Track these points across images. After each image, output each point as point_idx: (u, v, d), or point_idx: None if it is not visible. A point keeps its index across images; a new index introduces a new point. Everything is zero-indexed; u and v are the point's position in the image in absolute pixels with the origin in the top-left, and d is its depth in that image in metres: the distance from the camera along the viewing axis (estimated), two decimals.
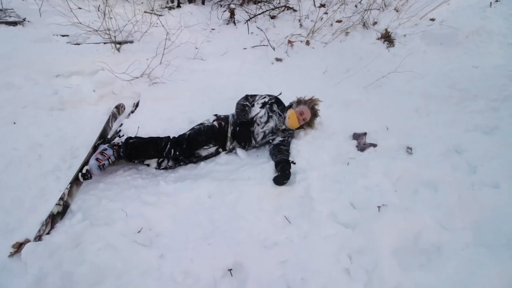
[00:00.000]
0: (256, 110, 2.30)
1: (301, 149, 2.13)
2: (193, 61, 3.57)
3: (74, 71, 2.93)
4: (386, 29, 4.27)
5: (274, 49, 4.09)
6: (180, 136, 2.11)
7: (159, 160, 2.08)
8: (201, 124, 2.23)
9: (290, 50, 4.16)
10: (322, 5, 5.06)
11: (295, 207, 1.67)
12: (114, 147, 2.00)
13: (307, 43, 4.25)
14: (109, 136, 2.26)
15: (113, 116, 2.44)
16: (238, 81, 3.34)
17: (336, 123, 2.53)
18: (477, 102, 2.83)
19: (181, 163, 2.12)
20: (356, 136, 2.35)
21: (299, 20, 4.70)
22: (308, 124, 2.38)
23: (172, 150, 2.03)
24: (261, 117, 2.25)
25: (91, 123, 2.43)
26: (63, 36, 3.58)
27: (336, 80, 3.37)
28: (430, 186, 1.90)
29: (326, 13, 4.77)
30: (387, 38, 4.25)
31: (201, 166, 2.08)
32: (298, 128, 2.39)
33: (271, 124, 2.24)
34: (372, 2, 4.71)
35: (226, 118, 2.27)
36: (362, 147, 2.25)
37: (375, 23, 4.54)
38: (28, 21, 3.75)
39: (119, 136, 2.26)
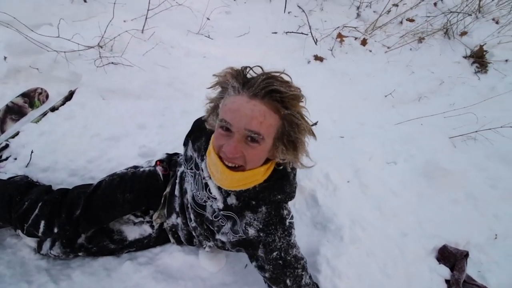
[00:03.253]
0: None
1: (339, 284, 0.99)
2: (194, 38, 2.39)
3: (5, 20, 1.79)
4: (481, 46, 2.94)
5: (316, 41, 2.84)
6: (76, 188, 1.01)
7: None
8: (134, 168, 1.11)
9: (337, 47, 2.91)
10: None
11: None
12: None
13: (364, 42, 2.98)
14: None
15: (14, 112, 1.35)
16: None
17: (406, 209, 1.37)
18: None
19: (80, 253, 1.01)
20: (446, 257, 1.21)
21: (358, 8, 3.38)
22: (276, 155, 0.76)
23: (42, 222, 0.92)
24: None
25: None
26: None
27: (405, 114, 2.16)
28: None
29: (396, 5, 3.42)
30: (479, 59, 2.94)
31: (124, 269, 0.97)
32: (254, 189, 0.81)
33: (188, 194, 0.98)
34: (464, 5, 3.33)
35: (175, 162, 1.13)
36: None
37: (464, 34, 3.19)
38: None
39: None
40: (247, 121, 0.65)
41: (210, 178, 0.81)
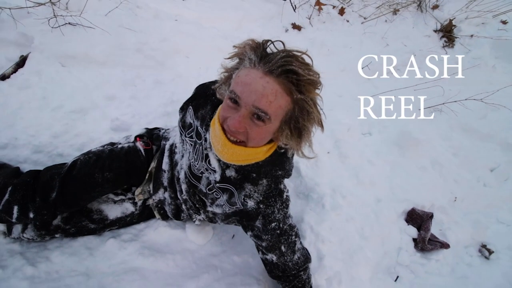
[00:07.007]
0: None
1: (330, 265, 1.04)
2: None
3: None
4: (450, 20, 3.04)
5: (295, 8, 2.73)
6: (49, 169, 0.92)
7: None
8: (111, 145, 1.03)
9: (315, 16, 2.83)
10: None
11: None
12: None
13: (342, 11, 2.93)
14: None
15: None
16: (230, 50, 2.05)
17: (380, 176, 1.46)
18: None
19: (57, 235, 0.94)
20: (414, 218, 1.33)
21: None
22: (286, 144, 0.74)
23: (16, 208, 0.84)
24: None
25: None
26: None
27: (379, 86, 2.22)
28: None
29: None
30: (448, 33, 3.05)
31: (107, 248, 0.94)
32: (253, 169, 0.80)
33: (183, 168, 0.94)
34: None
35: (158, 136, 1.09)
36: (424, 246, 1.25)
37: (435, 7, 3.26)
38: None
39: None
40: (257, 97, 0.62)
41: (211, 149, 0.78)
